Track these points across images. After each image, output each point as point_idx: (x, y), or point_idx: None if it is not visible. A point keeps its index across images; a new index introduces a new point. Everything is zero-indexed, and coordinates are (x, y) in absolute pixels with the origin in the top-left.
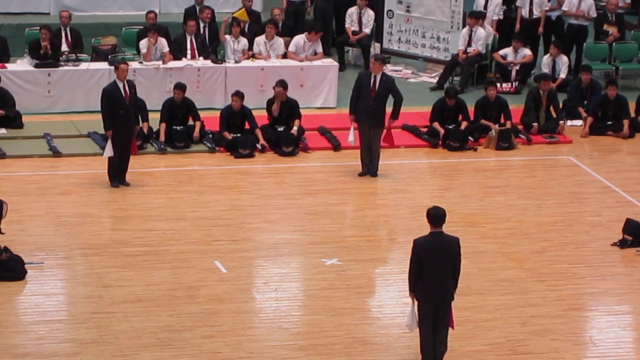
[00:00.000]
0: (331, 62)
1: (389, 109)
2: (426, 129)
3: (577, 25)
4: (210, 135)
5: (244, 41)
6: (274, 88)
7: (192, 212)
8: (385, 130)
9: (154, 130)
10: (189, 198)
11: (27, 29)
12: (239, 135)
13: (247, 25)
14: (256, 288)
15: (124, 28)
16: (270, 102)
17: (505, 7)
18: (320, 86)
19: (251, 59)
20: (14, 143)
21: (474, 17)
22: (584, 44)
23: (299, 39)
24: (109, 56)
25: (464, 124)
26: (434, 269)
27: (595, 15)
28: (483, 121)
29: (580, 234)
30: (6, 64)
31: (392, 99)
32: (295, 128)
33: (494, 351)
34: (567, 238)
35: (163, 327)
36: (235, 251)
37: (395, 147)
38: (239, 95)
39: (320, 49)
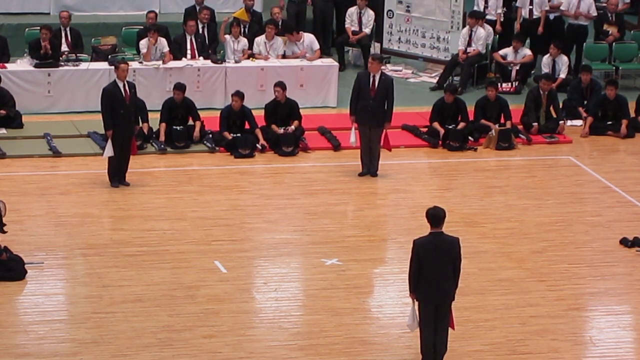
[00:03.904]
0: (331, 62)
1: None
2: (426, 129)
3: (577, 25)
4: (210, 135)
5: (243, 41)
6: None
7: (192, 212)
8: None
9: (154, 130)
10: (189, 198)
11: (27, 29)
12: (239, 135)
13: (247, 26)
14: (256, 288)
15: (124, 28)
16: (269, 106)
17: (505, 8)
18: (320, 86)
19: (251, 58)
20: (14, 143)
21: (474, 17)
22: (584, 44)
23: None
24: (109, 56)
25: (461, 125)
26: (434, 269)
27: (595, 14)
28: (483, 121)
29: (580, 234)
30: (6, 64)
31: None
32: (292, 127)
33: (494, 351)
34: (567, 238)
35: (163, 327)
36: (235, 251)
37: (392, 147)
38: (239, 95)
39: (298, 49)
